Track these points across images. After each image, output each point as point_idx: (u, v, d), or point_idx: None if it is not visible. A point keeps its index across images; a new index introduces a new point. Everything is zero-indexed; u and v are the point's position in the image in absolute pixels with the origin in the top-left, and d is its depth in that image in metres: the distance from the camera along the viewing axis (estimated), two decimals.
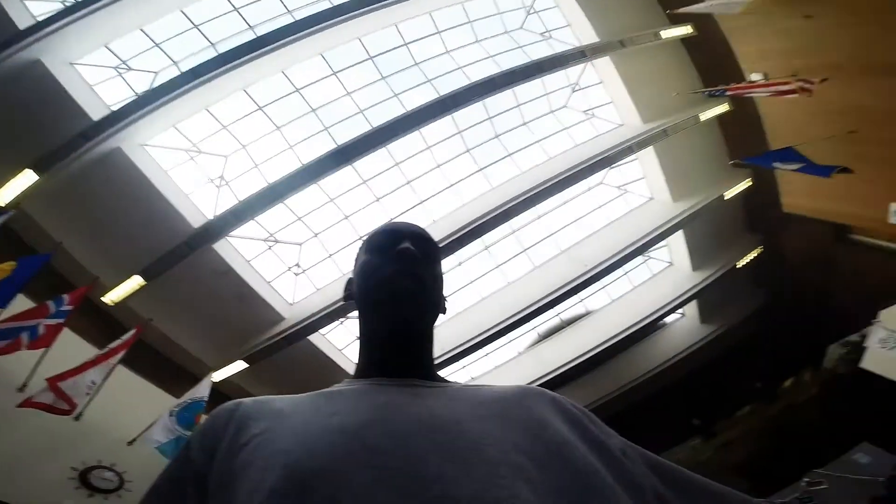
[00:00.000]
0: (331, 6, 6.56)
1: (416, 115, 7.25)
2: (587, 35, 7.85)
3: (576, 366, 9.45)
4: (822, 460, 6.58)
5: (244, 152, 7.58)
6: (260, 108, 7.34)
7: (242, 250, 7.73)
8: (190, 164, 7.12)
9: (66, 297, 4.82)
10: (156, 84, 6.37)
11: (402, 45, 7.64)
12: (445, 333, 8.59)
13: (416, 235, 0.79)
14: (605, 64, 8.09)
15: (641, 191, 9.58)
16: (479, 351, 9.15)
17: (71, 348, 5.16)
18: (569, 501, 0.51)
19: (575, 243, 9.67)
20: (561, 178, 8.04)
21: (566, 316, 10.33)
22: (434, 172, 8.77)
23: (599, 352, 9.49)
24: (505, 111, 8.65)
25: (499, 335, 8.96)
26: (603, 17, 7.67)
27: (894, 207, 5.28)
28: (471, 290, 9.66)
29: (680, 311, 10.09)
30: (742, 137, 7.92)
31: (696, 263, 9.60)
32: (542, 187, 8.03)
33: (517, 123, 8.83)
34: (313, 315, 7.76)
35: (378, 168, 8.37)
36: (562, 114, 9.05)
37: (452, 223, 8.12)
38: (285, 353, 7.54)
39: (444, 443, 0.55)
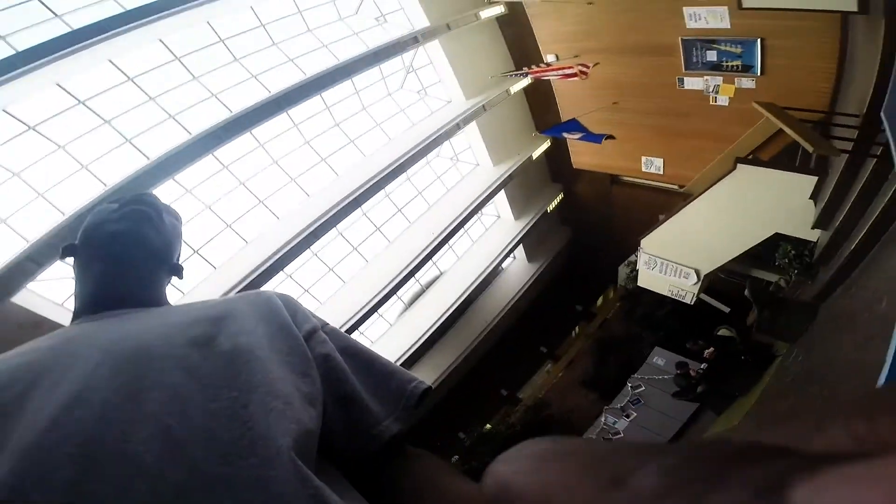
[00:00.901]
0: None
1: (244, 119, 6.51)
2: (418, 17, 8.30)
3: (442, 323, 10.55)
4: (635, 366, 8.81)
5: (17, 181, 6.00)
6: (31, 129, 5.85)
7: (52, 295, 6.36)
8: None
9: None
10: None
11: (216, 42, 6.81)
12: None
13: (148, 196, 0.82)
14: (433, 46, 8.73)
15: (468, 159, 10.87)
16: (354, 333, 9.48)
17: None
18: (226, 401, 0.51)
19: (420, 215, 10.56)
20: (404, 158, 8.53)
21: (424, 281, 11.33)
22: (272, 170, 8.39)
23: (458, 306, 10.80)
24: (343, 99, 8.60)
25: (369, 314, 9.40)
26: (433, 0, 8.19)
27: (644, 159, 7.36)
28: (332, 277, 9.79)
29: (512, 255, 12.03)
30: (542, 108, 9.59)
31: (517, 213, 11.47)
32: (388, 170, 8.42)
33: (357, 109, 8.91)
34: None
35: (207, 173, 7.62)
36: (398, 96, 9.46)
37: (303, 219, 8.01)
38: None
39: (115, 367, 0.52)
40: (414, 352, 10.09)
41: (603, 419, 8.36)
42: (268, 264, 7.42)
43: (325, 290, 9.73)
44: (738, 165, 5.02)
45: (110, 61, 6.05)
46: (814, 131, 3.97)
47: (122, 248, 0.74)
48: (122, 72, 6.24)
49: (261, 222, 8.43)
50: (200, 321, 0.62)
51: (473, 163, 10.87)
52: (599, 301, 11.67)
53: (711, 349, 6.84)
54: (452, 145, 10.55)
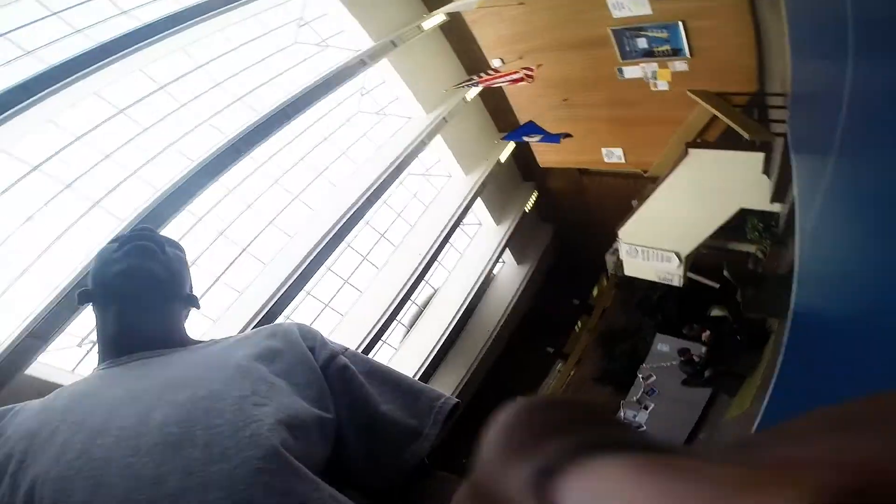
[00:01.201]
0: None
1: (209, 169, 6.36)
2: (361, 38, 8.27)
3: (446, 340, 10.50)
4: (641, 355, 8.66)
5: None
6: None
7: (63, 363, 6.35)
8: None
9: None
10: None
11: (158, 90, 6.75)
12: None
13: (146, 230, 0.82)
14: (383, 64, 8.66)
15: (440, 172, 10.88)
16: None
17: None
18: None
19: (404, 236, 10.58)
20: (378, 183, 8.49)
21: (420, 301, 11.33)
22: (248, 215, 8.45)
23: (458, 319, 10.75)
24: (302, 132, 8.62)
25: (373, 343, 9.41)
26: (372, 19, 8.17)
27: (604, 150, 7.33)
28: (329, 313, 9.83)
29: (501, 260, 12.01)
30: (500, 110, 9.60)
31: (497, 218, 11.48)
32: (364, 198, 8.40)
33: (318, 140, 8.92)
34: None
35: (183, 227, 7.65)
36: (357, 120, 9.49)
37: (290, 262, 8.07)
38: None
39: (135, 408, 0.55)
40: (423, 372, 10.09)
41: (622, 414, 8.07)
42: (265, 311, 7.49)
43: (325, 326, 9.77)
44: (690, 150, 4.99)
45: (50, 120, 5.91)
46: (747, 116, 3.95)
47: (130, 285, 0.74)
48: (68, 130, 6.14)
49: (249, 270, 8.49)
50: (229, 355, 0.66)
51: (445, 175, 10.87)
52: (595, 291, 11.58)
53: (708, 332, 6.75)
54: (422, 161, 10.56)
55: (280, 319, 8.53)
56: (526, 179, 11.73)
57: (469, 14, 7.26)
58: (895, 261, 1.79)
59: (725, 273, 6.07)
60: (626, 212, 7.00)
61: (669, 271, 7.21)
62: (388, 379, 0.71)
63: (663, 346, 8.46)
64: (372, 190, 8.53)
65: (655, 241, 6.91)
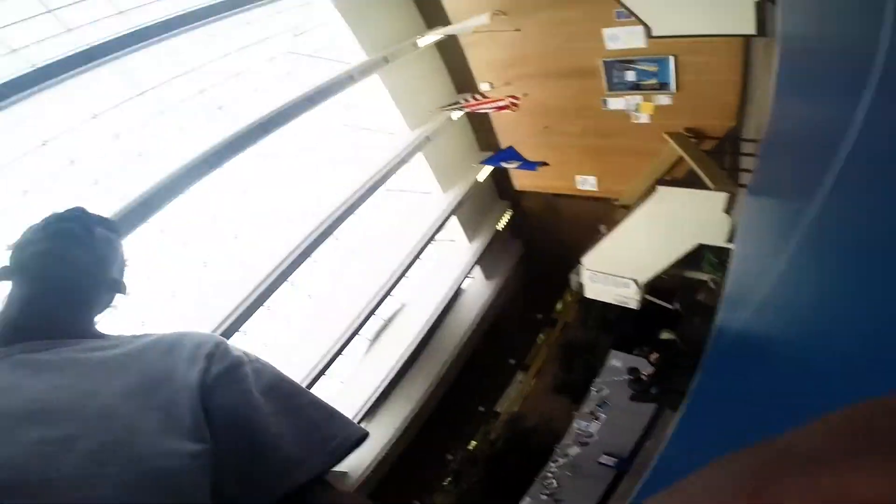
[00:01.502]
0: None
1: (174, 182, 6.13)
2: (353, 49, 8.26)
3: (412, 353, 10.52)
4: (597, 368, 9.12)
5: None
6: None
7: None
8: None
9: None
10: None
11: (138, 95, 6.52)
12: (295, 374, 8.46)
13: (77, 210, 0.78)
14: (372, 78, 8.68)
15: (417, 188, 10.95)
16: (322, 377, 9.34)
17: None
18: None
19: (375, 252, 10.50)
20: (353, 200, 8.50)
21: (386, 314, 11.29)
22: (213, 226, 8.18)
23: (424, 333, 10.79)
24: (279, 146, 8.49)
25: (336, 356, 9.27)
26: (369, 33, 8.19)
27: (579, 178, 7.76)
28: (292, 328, 9.59)
29: (470, 275, 12.24)
30: (484, 132, 9.87)
31: (470, 235, 11.70)
32: (339, 212, 8.39)
33: (294, 153, 8.83)
34: None
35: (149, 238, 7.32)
36: (337, 133, 9.46)
37: (252, 278, 7.83)
38: None
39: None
40: (388, 384, 10.04)
41: (575, 425, 8.54)
42: (224, 326, 7.24)
43: (285, 341, 9.55)
44: (658, 188, 5.42)
45: None
46: (715, 166, 4.34)
47: (47, 268, 0.70)
48: None
49: (204, 283, 8.19)
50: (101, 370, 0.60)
51: (423, 191, 10.99)
52: (559, 306, 12.03)
53: (656, 354, 7.22)
54: (399, 175, 10.60)
55: (237, 336, 8.24)
56: (502, 198, 12.07)
57: (464, 36, 7.45)
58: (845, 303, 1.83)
59: (676, 305, 6.55)
60: (593, 233, 7.39)
61: (627, 295, 7.69)
62: (289, 399, 0.66)
63: (616, 361, 8.95)
64: (346, 206, 8.48)
65: (616, 269, 7.34)
